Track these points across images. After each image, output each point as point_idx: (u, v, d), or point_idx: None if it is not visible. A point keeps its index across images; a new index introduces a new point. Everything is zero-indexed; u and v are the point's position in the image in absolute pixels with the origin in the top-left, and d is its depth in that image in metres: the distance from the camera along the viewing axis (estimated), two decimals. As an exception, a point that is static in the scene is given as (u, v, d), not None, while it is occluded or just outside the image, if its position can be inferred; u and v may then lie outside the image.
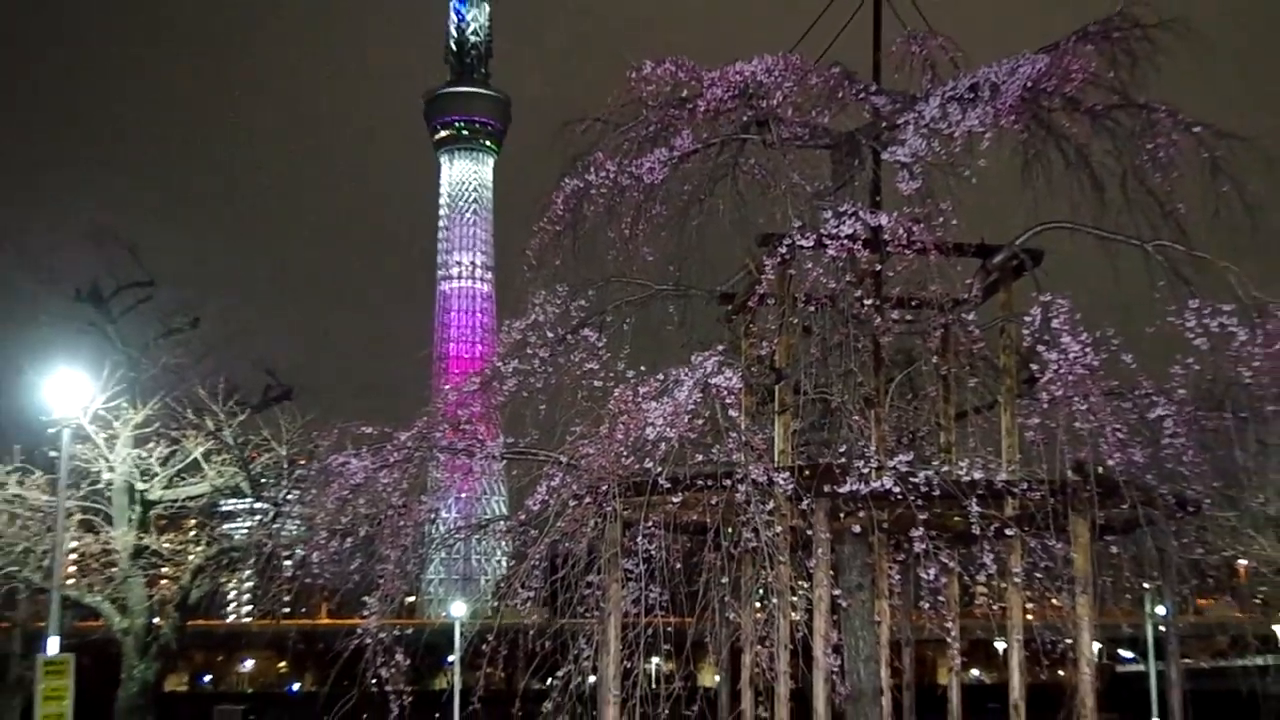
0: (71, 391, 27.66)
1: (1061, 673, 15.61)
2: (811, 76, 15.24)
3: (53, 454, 28.71)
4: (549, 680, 14.33)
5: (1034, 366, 14.14)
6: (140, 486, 32.39)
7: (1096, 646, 15.17)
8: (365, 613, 15.86)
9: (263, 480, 33.82)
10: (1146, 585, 18.91)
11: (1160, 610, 28.87)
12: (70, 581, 31.70)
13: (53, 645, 25.87)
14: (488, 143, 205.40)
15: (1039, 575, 15.21)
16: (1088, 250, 14.70)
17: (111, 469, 31.93)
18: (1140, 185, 14.55)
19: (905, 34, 15.81)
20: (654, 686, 13.84)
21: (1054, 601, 15.66)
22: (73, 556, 32.86)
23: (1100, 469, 13.40)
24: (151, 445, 32.42)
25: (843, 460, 14.05)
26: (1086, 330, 13.69)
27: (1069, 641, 14.72)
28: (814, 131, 15.51)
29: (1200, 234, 14.29)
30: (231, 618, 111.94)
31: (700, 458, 14.15)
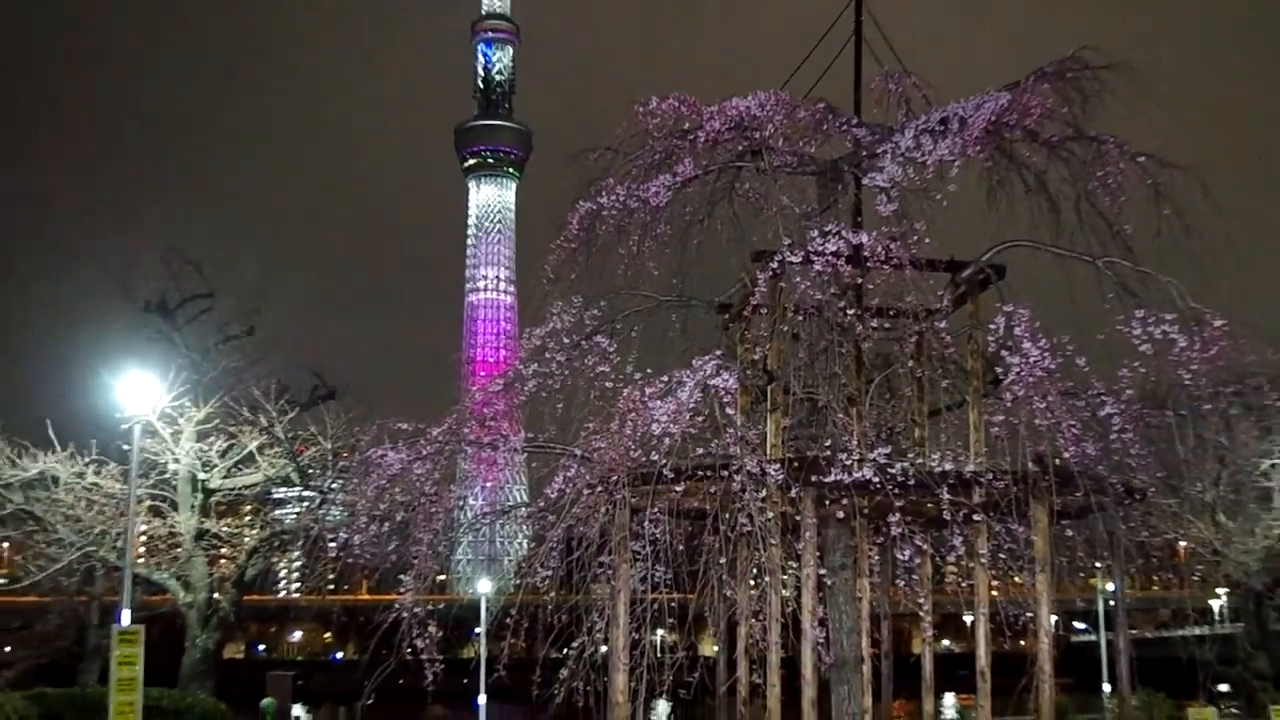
0: (141, 392, 27.51)
1: (1023, 642, 15.55)
2: (799, 111, 15.20)
3: (125, 447, 28.58)
4: (565, 650, 14.29)
5: (998, 369, 14.13)
6: (202, 476, 32.42)
7: (1054, 619, 15.14)
8: (401, 589, 15.86)
9: (310, 471, 33.79)
10: (1098, 564, 18.85)
11: (1110, 586, 28.89)
12: (140, 560, 31.57)
13: (125, 617, 25.74)
14: (511, 169, 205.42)
15: (1003, 556, 15.17)
16: (1046, 266, 14.66)
17: (177, 460, 31.99)
18: (1092, 208, 14.49)
19: (883, 73, 15.81)
20: (659, 655, 13.82)
21: (1016, 579, 15.62)
22: (143, 538, 32.74)
23: (1057, 461, 13.40)
24: (211, 439, 32.47)
25: (828, 453, 14.04)
26: (1045, 337, 13.67)
27: (1029, 615, 14.68)
28: (802, 159, 15.49)
29: (1145, 251, 14.25)
30: (282, 593, 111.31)
31: (700, 451, 14.14)
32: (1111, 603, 33.51)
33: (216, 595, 33.33)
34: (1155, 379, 14.06)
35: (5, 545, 34.61)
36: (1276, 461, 34.63)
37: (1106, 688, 37.48)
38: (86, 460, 31.63)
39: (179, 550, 32.38)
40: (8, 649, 48.60)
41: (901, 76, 15.56)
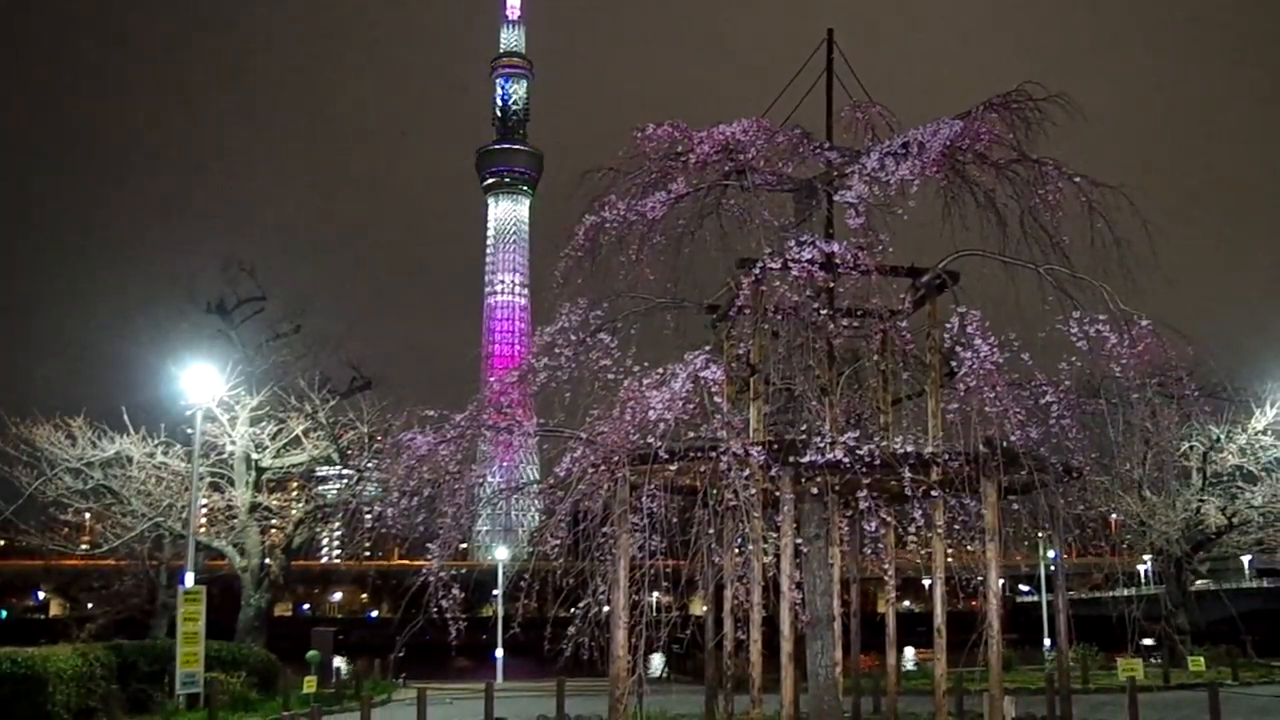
0: (203, 382, 28.29)
1: (974, 603, 15.51)
2: (778, 136, 15.13)
3: (189, 431, 29.13)
4: (572, 609, 14.23)
5: (953, 363, 14.05)
6: (255, 456, 32.61)
7: (1001, 583, 15.07)
8: (429, 556, 15.82)
9: (349, 452, 33.80)
10: (1040, 534, 18.80)
11: (1050, 554, 28.86)
12: (202, 530, 31.89)
13: (189, 579, 26.36)
14: (525, 187, 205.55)
15: (957, 527, 15.09)
16: (994, 272, 14.58)
17: (233, 443, 32.23)
18: (1034, 222, 14.44)
19: (851, 103, 15.76)
20: (655, 615, 13.75)
21: (968, 547, 15.56)
22: (204, 510, 33.09)
23: (1004, 444, 13.34)
24: (263, 424, 32.70)
25: (803, 437, 14.01)
26: (993, 335, 13.59)
27: (980, 579, 14.64)
28: (780, 178, 15.41)
29: (1080, 260, 14.21)
30: (324, 559, 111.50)
31: (691, 434, 14.06)
32: (1052, 568, 33.53)
33: (268, 561, 33.50)
34: (1090, 372, 14.03)
35: (88, 515, 34.68)
36: (1194, 444, 34.66)
37: (1047, 643, 37.52)
38: (156, 442, 32.03)
39: (235, 521, 32.70)
40: (90, 606, 48.90)
41: (868, 105, 15.52)
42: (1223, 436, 34.99)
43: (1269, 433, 35.29)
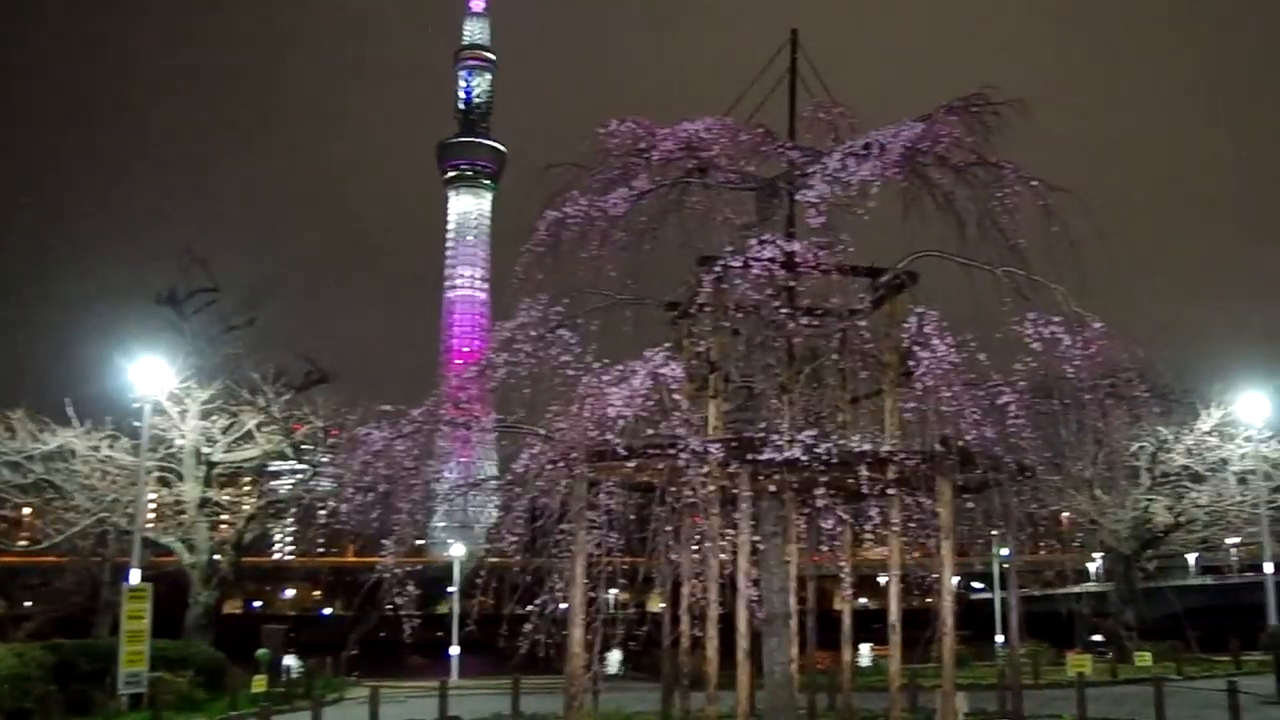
0: (152, 375, 27.80)
1: (929, 600, 15.69)
2: (741, 134, 15.16)
3: (136, 424, 28.65)
4: (529, 607, 14.22)
5: (911, 363, 14.17)
6: (205, 450, 32.17)
7: (955, 580, 15.25)
8: (383, 552, 15.73)
9: (303, 447, 33.55)
10: (994, 532, 19.05)
11: (1004, 551, 29.22)
12: (149, 525, 31.42)
13: (135, 576, 25.92)
14: (486, 181, 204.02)
15: (912, 525, 15.22)
16: (952, 273, 14.72)
17: (183, 436, 31.77)
18: (992, 224, 14.54)
19: (814, 103, 15.84)
20: (612, 612, 13.80)
21: (924, 545, 15.74)
22: (151, 506, 32.64)
23: (960, 443, 13.49)
24: (215, 418, 32.20)
25: (762, 434, 14.06)
26: (951, 335, 13.73)
27: (935, 576, 14.80)
28: (743, 177, 15.43)
29: (1036, 262, 14.36)
30: (276, 555, 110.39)
31: (650, 431, 14.07)
32: (1004, 566, 33.95)
33: (217, 557, 33.11)
34: (1044, 372, 14.14)
35: (27, 511, 34.17)
36: (1143, 445, 35.31)
37: (999, 639, 37.98)
38: (102, 435, 31.40)
39: (184, 516, 32.17)
40: (28, 604, 47.83)
41: (830, 106, 15.62)
42: (1171, 437, 35.70)
43: (1215, 434, 36.07)
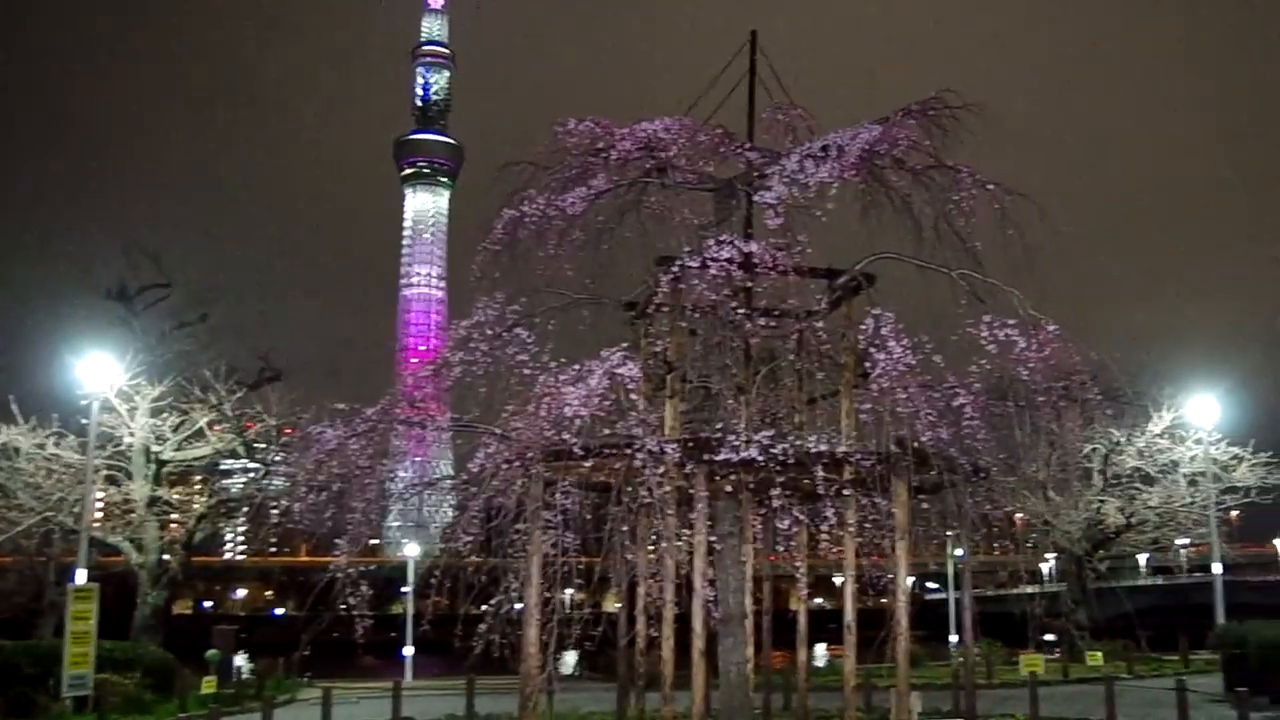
0: (100, 371, 27.51)
1: (884, 600, 15.79)
2: (700, 135, 15.13)
3: (84, 421, 28.27)
4: (484, 606, 14.16)
5: (867, 364, 14.24)
6: (155, 449, 31.73)
7: (910, 580, 15.36)
8: (337, 552, 15.58)
9: (255, 445, 33.12)
10: (948, 533, 19.22)
11: (958, 552, 29.50)
12: (97, 525, 30.86)
13: (81, 576, 25.54)
14: (444, 179, 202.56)
15: (868, 525, 15.34)
16: (909, 275, 14.82)
17: (132, 434, 31.28)
18: (948, 227, 14.68)
19: (773, 105, 15.88)
20: (568, 612, 13.76)
21: (879, 546, 15.83)
22: (99, 504, 32.10)
23: (916, 444, 13.54)
24: (165, 415, 31.77)
25: (718, 435, 14.09)
26: (907, 337, 13.81)
27: (890, 576, 14.89)
28: (701, 177, 15.43)
29: (991, 265, 14.50)
30: (227, 555, 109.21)
31: (607, 431, 14.06)
32: (959, 566, 34.27)
33: (167, 556, 32.62)
34: (999, 375, 14.25)
35: None
36: (1096, 447, 35.80)
37: (954, 639, 38.32)
38: (47, 433, 30.76)
39: (133, 515, 31.66)
40: (-35, 605, 47.00)
41: (789, 108, 15.63)
42: (1123, 440, 36.22)
43: (1166, 436, 36.64)
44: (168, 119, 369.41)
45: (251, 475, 34.09)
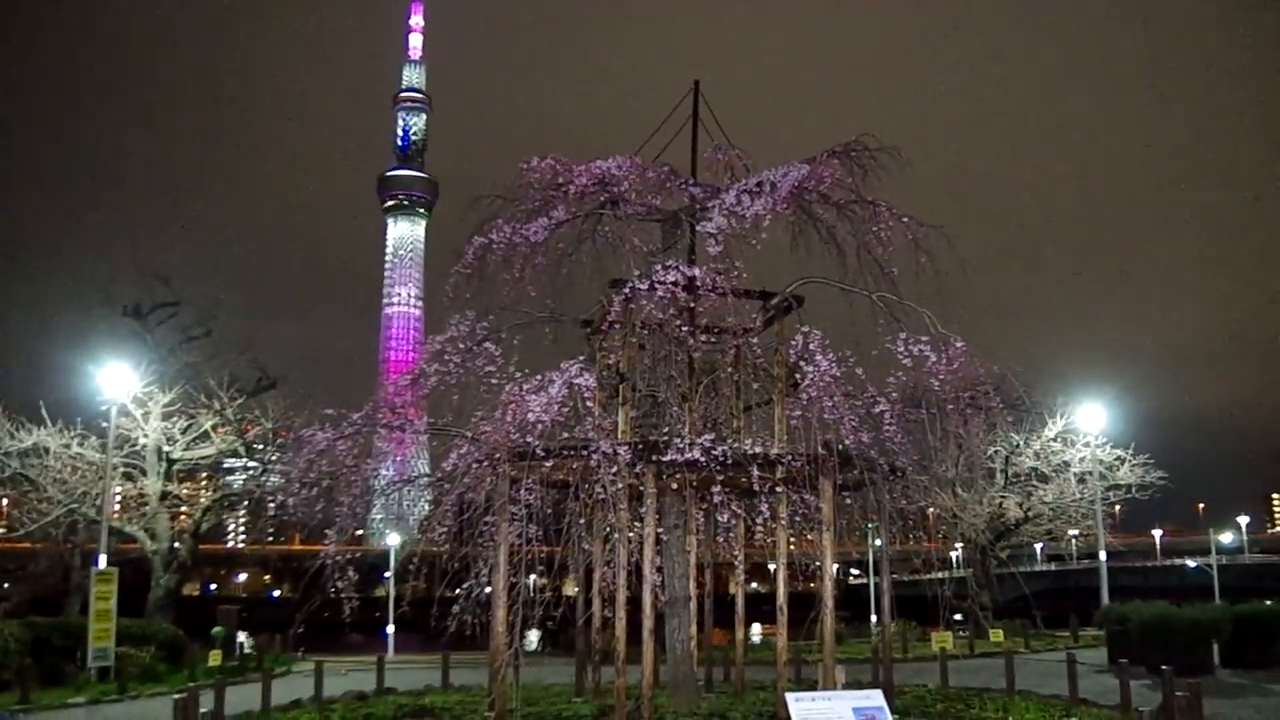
0: (118, 380, 27.87)
1: (812, 585, 15.68)
2: (649, 171, 15.10)
3: (104, 424, 28.35)
4: (457, 590, 13.91)
5: (797, 376, 14.18)
6: (166, 449, 31.66)
7: (835, 567, 15.27)
8: (327, 542, 15.37)
9: (254, 446, 33.01)
10: (869, 525, 19.18)
11: (878, 542, 29.56)
12: (115, 516, 30.89)
13: (102, 561, 25.84)
14: (421, 210, 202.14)
15: (798, 519, 15.22)
16: (834, 297, 14.79)
17: (146, 436, 31.25)
18: (869, 255, 14.64)
19: (714, 145, 15.82)
20: (532, 595, 13.55)
21: (808, 537, 15.75)
22: (117, 498, 32.14)
23: (840, 446, 13.50)
24: (174, 419, 31.74)
25: (665, 438, 13.94)
26: (833, 351, 13.75)
27: (817, 564, 14.79)
28: (649, 210, 15.37)
29: (906, 288, 14.49)
30: (230, 543, 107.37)
31: (566, 434, 13.91)
32: (878, 554, 34.37)
33: (177, 544, 32.48)
34: (913, 385, 14.25)
35: (5, 501, 33.65)
36: (998, 449, 36.04)
37: (874, 619, 38.40)
38: (72, 434, 30.85)
39: (147, 508, 31.63)
40: (5, 586, 46.52)
41: (728, 149, 15.59)
42: (1022, 443, 36.50)
43: (1059, 440, 37.00)
44: (201, 162, 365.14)
45: (251, 473, 33.87)
